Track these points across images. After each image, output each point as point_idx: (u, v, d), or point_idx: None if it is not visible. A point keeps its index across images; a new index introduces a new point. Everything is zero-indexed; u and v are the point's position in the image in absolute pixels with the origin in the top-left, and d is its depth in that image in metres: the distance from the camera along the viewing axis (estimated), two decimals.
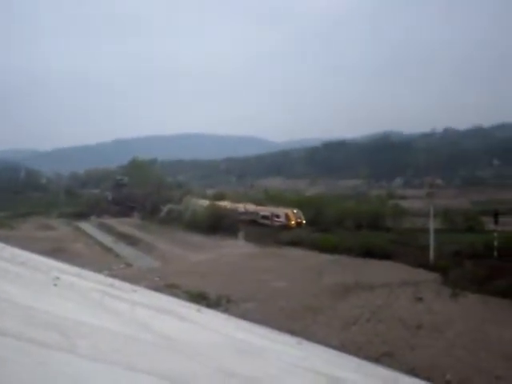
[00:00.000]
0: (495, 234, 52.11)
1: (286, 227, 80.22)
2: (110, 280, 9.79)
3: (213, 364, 4.27)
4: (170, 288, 41.22)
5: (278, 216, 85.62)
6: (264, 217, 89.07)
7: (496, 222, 55.51)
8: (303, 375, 5.27)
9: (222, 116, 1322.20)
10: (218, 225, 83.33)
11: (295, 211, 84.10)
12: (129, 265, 60.77)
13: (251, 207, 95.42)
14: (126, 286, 9.63)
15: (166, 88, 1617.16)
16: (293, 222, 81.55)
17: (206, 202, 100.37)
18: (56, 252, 51.59)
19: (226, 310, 31.47)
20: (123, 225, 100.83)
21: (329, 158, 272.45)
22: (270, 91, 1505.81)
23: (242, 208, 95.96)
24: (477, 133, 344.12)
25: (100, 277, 10.48)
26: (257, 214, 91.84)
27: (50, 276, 6.57)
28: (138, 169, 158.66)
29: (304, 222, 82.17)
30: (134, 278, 41.32)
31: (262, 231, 79.80)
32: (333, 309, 37.79)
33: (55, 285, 5.99)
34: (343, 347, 25.49)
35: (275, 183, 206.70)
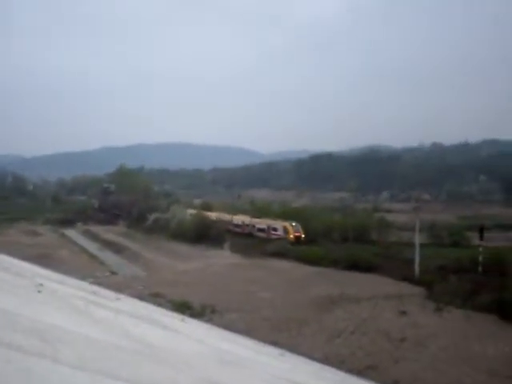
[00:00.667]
0: (480, 249, 52.35)
1: (283, 241, 76.28)
2: (95, 287, 9.75)
3: (196, 374, 4.25)
4: (154, 297, 41.12)
5: (275, 229, 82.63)
6: (260, 229, 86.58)
7: (481, 237, 55.74)
8: None
9: (209, 126, 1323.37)
10: (204, 235, 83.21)
11: (294, 224, 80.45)
12: (114, 273, 60.55)
13: (246, 219, 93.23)
14: (110, 293, 9.59)
15: (153, 96, 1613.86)
16: (291, 236, 78.04)
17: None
18: (41, 258, 51.33)
19: (210, 320, 31.39)
20: (109, 232, 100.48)
21: (316, 170, 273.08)
22: (258, 102, 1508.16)
23: (237, 220, 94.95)
24: (463, 148, 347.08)
25: (84, 284, 10.43)
26: (252, 226, 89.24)
27: (34, 282, 6.53)
28: (125, 176, 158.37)
29: (303, 235, 78.26)
30: (119, 286, 41.18)
31: (248, 242, 79.87)
32: (317, 321, 37.78)
33: (39, 291, 5.95)
34: (327, 360, 25.50)
35: (262, 194, 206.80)
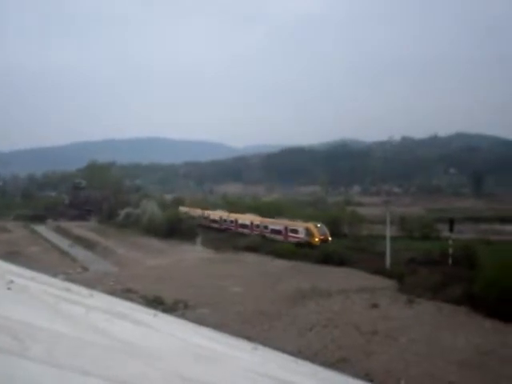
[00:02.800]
0: (450, 242, 52.74)
1: (307, 245, 66.77)
2: (66, 284, 9.68)
3: (169, 369, 4.24)
4: (126, 292, 40.98)
5: (295, 231, 72.25)
6: (275, 231, 76.43)
7: (451, 230, 56.17)
8: (259, 381, 5.27)
9: (181, 120, 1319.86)
10: (176, 229, 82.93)
11: (319, 225, 70.61)
12: (85, 269, 60.18)
13: (255, 219, 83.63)
14: (82, 290, 9.54)
15: (126, 91, 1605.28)
16: (316, 239, 67.68)
17: (185, 209, 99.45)
18: (11, 255, 50.96)
19: (182, 315, 31.34)
20: (80, 228, 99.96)
21: (288, 164, 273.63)
22: (231, 96, 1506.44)
23: (244, 219, 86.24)
24: (433, 142, 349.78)
25: (55, 281, 10.36)
26: (265, 227, 79.16)
27: (4, 279, 6.47)
28: (96, 172, 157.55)
29: (330, 238, 68.63)
30: (90, 282, 40.98)
31: (220, 237, 79.85)
32: (289, 314, 37.87)
33: (9, 288, 5.90)
34: (299, 353, 25.57)
35: (234, 189, 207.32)
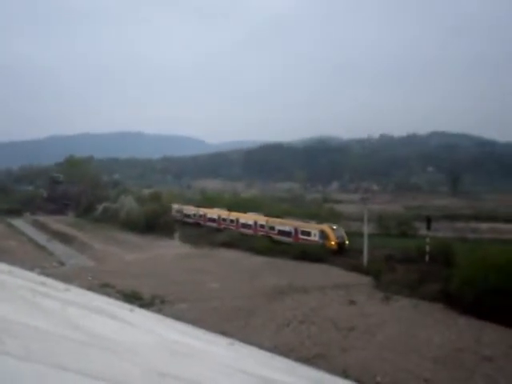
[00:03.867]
0: (427, 240, 53.02)
1: (321, 248, 60.77)
2: (42, 278, 9.63)
3: (145, 364, 4.24)
4: (103, 287, 40.87)
5: (306, 233, 66.13)
6: (283, 232, 70.26)
7: (428, 228, 56.46)
8: (235, 377, 5.27)
9: (160, 115, 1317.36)
10: (153, 224, 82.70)
11: (335, 227, 65.16)
12: (62, 263, 59.97)
13: (260, 218, 76.95)
14: (59, 284, 9.48)
15: (104, 85, 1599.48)
16: (332, 243, 61.96)
17: (177, 207, 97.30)
18: None
19: (159, 311, 31.29)
20: (58, 222, 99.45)
21: (266, 160, 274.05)
22: (209, 92, 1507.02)
23: (247, 219, 79.25)
24: (412, 140, 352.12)
25: (32, 275, 10.29)
26: (271, 228, 72.73)
27: None
28: (74, 166, 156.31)
29: (347, 242, 62.99)
30: (67, 276, 40.83)
31: (198, 232, 79.58)
32: (266, 310, 37.95)
33: None
34: (276, 349, 25.63)
35: (212, 184, 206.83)
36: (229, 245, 67.61)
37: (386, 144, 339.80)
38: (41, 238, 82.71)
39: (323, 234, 63.54)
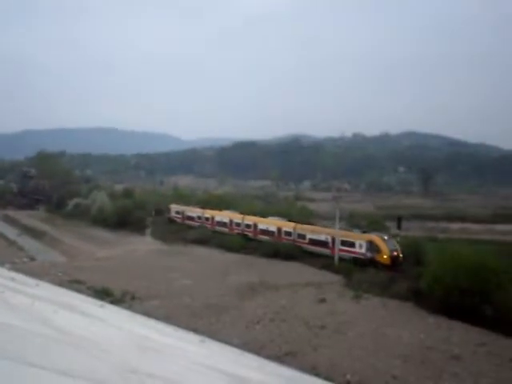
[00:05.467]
0: (398, 239, 53.37)
1: (369, 263, 51.53)
2: (12, 274, 9.57)
3: (115, 360, 4.23)
4: (73, 283, 40.58)
5: (349, 244, 55.06)
6: (317, 242, 59.53)
7: (399, 227, 56.82)
8: (206, 373, 5.28)
9: (134, 111, 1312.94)
10: (125, 220, 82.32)
11: (386, 237, 53.98)
12: (32, 258, 59.50)
13: (287, 224, 65.80)
14: (29, 280, 9.43)
15: (79, 80, 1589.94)
16: (385, 256, 51.29)
17: (177, 207, 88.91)
18: None
19: (130, 307, 31.19)
20: (28, 218, 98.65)
21: (239, 157, 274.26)
22: (183, 88, 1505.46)
23: (267, 224, 68.59)
24: (384, 139, 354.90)
25: (1, 270, 10.23)
26: (300, 235, 61.63)
27: None
28: (46, 161, 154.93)
29: (401, 255, 51.41)
30: (38, 272, 40.54)
31: (169, 228, 79.28)
32: (237, 308, 37.94)
33: None
34: (246, 346, 25.66)
35: (185, 181, 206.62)
36: (201, 241, 67.49)
37: (358, 143, 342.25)
38: (11, 232, 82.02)
39: (372, 246, 52.95)
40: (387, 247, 51.69)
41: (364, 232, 56.97)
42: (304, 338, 31.27)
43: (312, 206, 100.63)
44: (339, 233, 56.07)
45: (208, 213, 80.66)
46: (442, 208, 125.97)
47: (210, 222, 78.76)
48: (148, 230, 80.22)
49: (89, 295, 25.23)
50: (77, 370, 3.54)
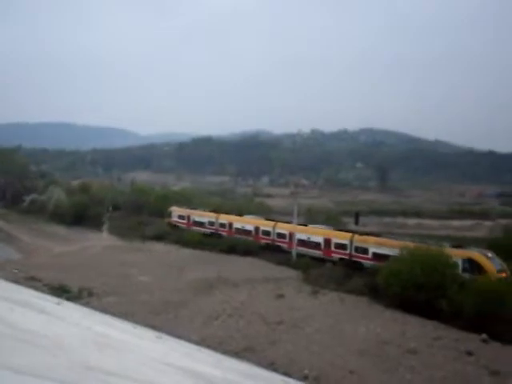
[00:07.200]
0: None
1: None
2: None
3: (72, 358, 4.23)
4: (29, 280, 40.23)
5: None
6: (384, 257, 44.72)
7: (356, 223, 57.25)
8: (163, 370, 5.30)
9: (91, 106, 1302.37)
10: (82, 216, 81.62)
11: (490, 255, 42.61)
12: None
13: (332, 234, 54.49)
14: None
15: (35, 75, 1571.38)
16: (493, 273, 39.62)
17: (176, 209, 77.18)
18: None
19: (87, 304, 30.98)
20: None
21: (197, 153, 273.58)
22: (140, 83, 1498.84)
23: (308, 233, 55.93)
24: (342, 135, 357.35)
25: None
26: (360, 249, 49.62)
27: None
28: (0, 156, 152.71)
29: (508, 272, 40.89)
30: None
31: (126, 224, 78.56)
32: (195, 304, 37.90)
33: None
34: (204, 342, 25.70)
35: (142, 176, 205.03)
36: (158, 237, 67.13)
37: (316, 139, 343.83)
38: None
39: (472, 265, 41.63)
40: (493, 267, 40.80)
41: (458, 247, 44.40)
42: (262, 333, 31.39)
43: (270, 202, 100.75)
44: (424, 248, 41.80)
45: (224, 218, 68.44)
46: (399, 204, 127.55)
47: (227, 230, 66.42)
48: (105, 226, 79.54)
49: (45, 292, 25.01)
50: (34, 369, 3.54)
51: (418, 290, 35.33)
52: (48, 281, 41.85)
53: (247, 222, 64.81)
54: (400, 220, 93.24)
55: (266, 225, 62.20)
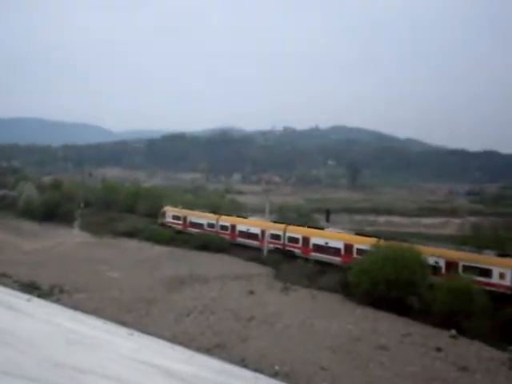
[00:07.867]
0: None
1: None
2: None
3: (41, 355, 4.19)
4: None
5: (483, 271, 38.26)
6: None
7: (327, 220, 57.38)
8: (135, 367, 5.28)
9: (61, 101, 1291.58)
10: (53, 213, 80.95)
11: None
12: None
13: (366, 241, 46.11)
14: None
15: (6, 69, 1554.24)
16: None
17: (170, 209, 73.04)
18: None
19: (58, 300, 30.79)
20: None
21: (168, 150, 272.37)
22: (111, 78, 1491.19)
23: (329, 238, 50.53)
24: (313, 133, 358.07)
25: None
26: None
27: None
28: None
29: None
30: None
31: (98, 220, 77.99)
32: (166, 300, 37.84)
33: None
34: (175, 338, 25.66)
35: (114, 173, 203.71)
36: (130, 234, 66.69)
37: (288, 136, 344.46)
38: None
39: None
40: None
41: (504, 255, 40.06)
42: (233, 329, 31.44)
43: (241, 199, 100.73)
44: (462, 255, 40.61)
45: (226, 220, 63.41)
46: (370, 201, 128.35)
47: (228, 232, 61.36)
48: (77, 223, 78.95)
49: (15, 289, 24.79)
50: (3, 365, 3.50)
51: (388, 287, 35.58)
52: (18, 277, 41.57)
53: (252, 225, 59.69)
54: (371, 217, 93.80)
55: (274, 228, 56.38)
